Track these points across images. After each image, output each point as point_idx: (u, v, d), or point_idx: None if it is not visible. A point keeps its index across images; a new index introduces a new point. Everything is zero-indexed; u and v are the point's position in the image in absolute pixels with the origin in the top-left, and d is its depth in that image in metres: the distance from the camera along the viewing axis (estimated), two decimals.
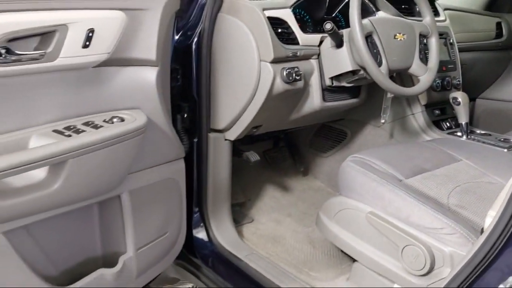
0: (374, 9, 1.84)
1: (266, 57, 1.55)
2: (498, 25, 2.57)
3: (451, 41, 2.13)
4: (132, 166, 1.31)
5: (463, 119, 1.92)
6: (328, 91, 1.78)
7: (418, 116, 2.00)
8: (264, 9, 1.56)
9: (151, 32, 1.26)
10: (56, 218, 1.20)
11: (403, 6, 2.00)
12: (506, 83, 2.66)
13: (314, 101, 1.75)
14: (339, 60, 1.67)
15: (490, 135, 1.95)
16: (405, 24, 1.72)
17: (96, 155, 1.13)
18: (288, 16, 1.64)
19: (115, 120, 1.21)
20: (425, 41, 1.77)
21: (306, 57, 1.69)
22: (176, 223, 1.55)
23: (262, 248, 1.79)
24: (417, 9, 1.84)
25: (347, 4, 1.60)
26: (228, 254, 1.69)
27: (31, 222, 1.13)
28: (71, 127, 1.14)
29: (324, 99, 1.76)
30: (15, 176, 1.01)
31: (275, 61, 1.56)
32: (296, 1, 1.68)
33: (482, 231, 1.09)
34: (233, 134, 1.69)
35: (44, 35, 1.06)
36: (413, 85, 1.78)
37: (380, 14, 1.83)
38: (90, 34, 1.13)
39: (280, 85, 1.58)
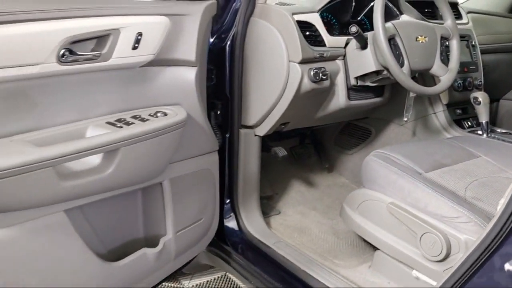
0: (397, 12, 1.87)
1: (294, 58, 1.61)
2: None
3: (473, 43, 2.15)
4: (173, 156, 1.39)
5: (483, 118, 1.94)
6: (353, 90, 1.84)
7: (439, 115, 2.03)
8: (293, 14, 1.63)
9: (191, 35, 1.36)
10: (106, 201, 1.30)
11: (426, 10, 2.03)
12: None
13: (340, 99, 1.81)
14: (363, 61, 1.72)
15: (510, 134, 1.97)
16: (426, 27, 1.76)
17: (144, 144, 1.23)
18: (315, 19, 1.70)
19: (159, 114, 1.30)
20: (446, 43, 1.80)
21: (333, 58, 1.75)
22: (210, 210, 1.62)
23: (289, 237, 1.85)
24: (439, 12, 1.87)
25: (372, 8, 1.65)
26: (257, 241, 1.75)
27: (85, 203, 1.23)
28: (122, 119, 1.24)
29: (349, 97, 1.83)
30: (75, 161, 1.12)
31: (303, 61, 1.62)
32: (324, 6, 1.74)
33: None
34: (263, 130, 1.76)
35: (100, 38, 1.18)
36: (435, 85, 1.81)
37: (404, 17, 1.86)
38: (139, 37, 1.24)
39: (307, 84, 1.65)
